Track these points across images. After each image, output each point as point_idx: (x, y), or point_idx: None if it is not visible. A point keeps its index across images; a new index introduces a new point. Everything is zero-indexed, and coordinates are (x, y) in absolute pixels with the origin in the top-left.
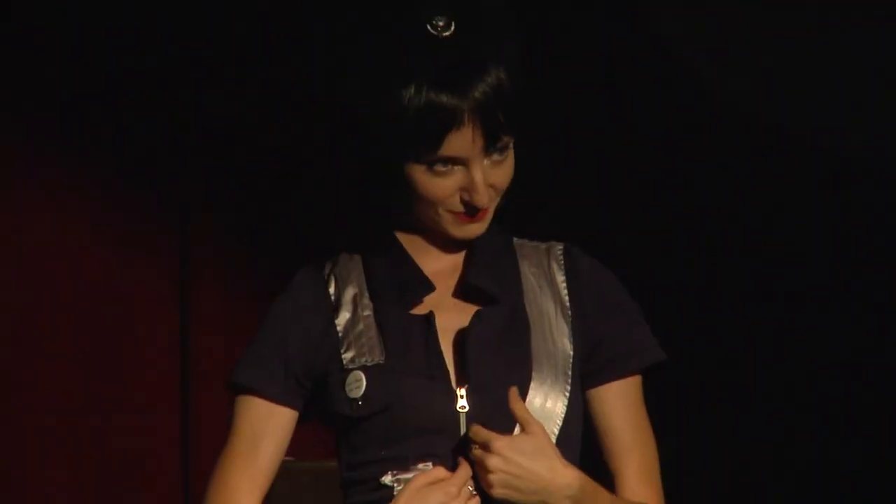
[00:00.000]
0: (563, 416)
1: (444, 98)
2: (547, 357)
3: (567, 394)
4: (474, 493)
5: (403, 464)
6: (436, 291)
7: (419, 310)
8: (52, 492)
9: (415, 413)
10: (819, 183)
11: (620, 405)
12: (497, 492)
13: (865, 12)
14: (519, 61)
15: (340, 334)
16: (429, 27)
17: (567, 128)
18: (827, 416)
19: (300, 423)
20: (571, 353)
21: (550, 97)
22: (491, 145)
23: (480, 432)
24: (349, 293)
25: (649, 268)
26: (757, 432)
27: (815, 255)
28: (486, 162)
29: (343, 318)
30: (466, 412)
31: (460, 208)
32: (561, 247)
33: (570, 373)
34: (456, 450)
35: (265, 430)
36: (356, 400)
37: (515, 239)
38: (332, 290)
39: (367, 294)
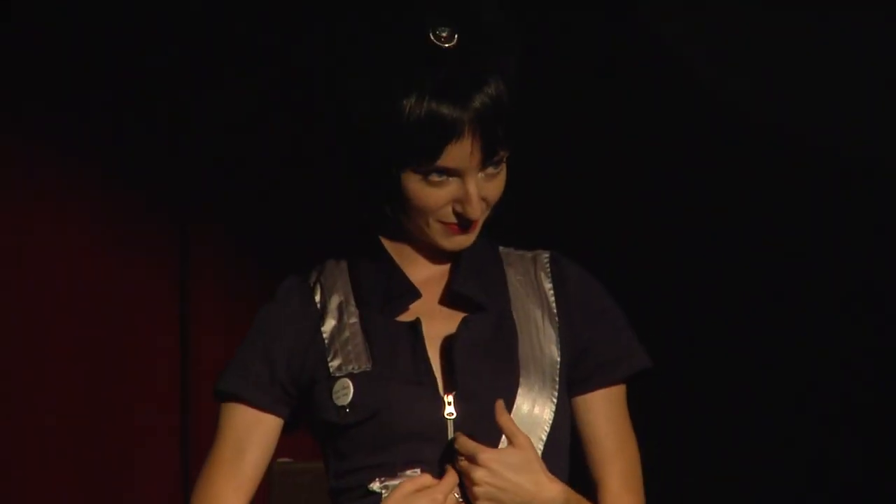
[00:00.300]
0: (550, 422)
1: (445, 109)
2: (534, 363)
3: (554, 400)
4: (460, 500)
5: (391, 470)
6: (422, 299)
7: (406, 317)
8: (52, 492)
9: (402, 420)
10: (819, 183)
11: (605, 413)
12: (484, 501)
13: (865, 12)
14: (519, 73)
15: (326, 342)
16: (432, 37)
17: (566, 128)
18: (826, 417)
19: (286, 433)
20: (559, 359)
21: (550, 97)
22: (488, 158)
23: (467, 444)
24: (335, 301)
25: (649, 268)
26: (753, 436)
27: (814, 255)
28: (480, 175)
29: (329, 325)
30: (454, 419)
31: (451, 219)
32: (547, 255)
33: (557, 379)
34: (443, 456)
35: (250, 437)
36: (343, 407)
37: (501, 248)
38: (318, 297)
39: (353, 301)
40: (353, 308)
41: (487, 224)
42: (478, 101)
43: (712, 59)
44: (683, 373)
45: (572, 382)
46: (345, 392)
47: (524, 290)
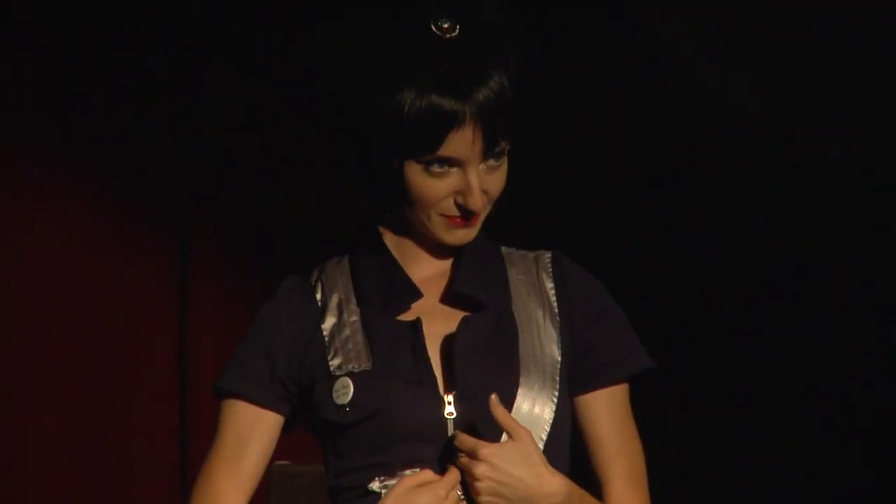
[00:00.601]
0: (550, 421)
1: (446, 99)
2: (535, 363)
3: (555, 399)
4: (462, 497)
5: (391, 470)
6: (423, 298)
7: (406, 316)
8: (52, 492)
9: (402, 419)
10: (818, 183)
11: (607, 412)
12: (484, 499)
13: (865, 12)
14: (519, 69)
15: (327, 340)
16: (433, 28)
17: (566, 128)
18: (826, 418)
19: (286, 432)
20: (559, 358)
21: (549, 97)
22: (489, 149)
23: (466, 440)
24: (335, 299)
25: (648, 268)
26: (753, 436)
27: (814, 255)
28: (482, 167)
29: (329, 323)
30: (454, 418)
31: (453, 212)
32: (549, 255)
33: (557, 378)
34: (443, 456)
35: (251, 435)
36: (343, 406)
37: (503, 248)
38: (318, 295)
39: (353, 300)
40: (353, 306)
41: (488, 222)
42: (479, 91)
43: (712, 59)
44: (683, 373)
45: (574, 382)
46: (345, 391)
47: (525, 290)
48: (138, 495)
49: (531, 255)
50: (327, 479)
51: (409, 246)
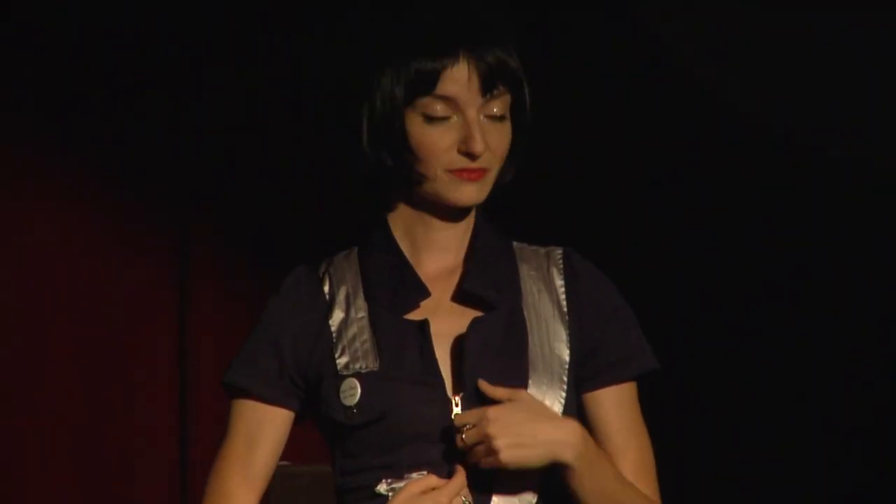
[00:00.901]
0: (563, 405)
1: (439, 38)
2: (543, 362)
3: (563, 398)
4: (466, 502)
5: (398, 472)
6: (433, 295)
7: (414, 314)
8: (52, 492)
9: (410, 422)
10: (818, 183)
11: (615, 409)
12: (505, 456)
13: (865, 12)
14: (513, 26)
15: (334, 336)
16: None
17: (565, 128)
18: (826, 418)
19: (297, 424)
20: (568, 357)
21: (549, 97)
22: (487, 89)
23: (468, 414)
24: (343, 292)
25: (647, 268)
26: (753, 437)
27: (813, 255)
28: (483, 119)
29: (337, 318)
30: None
31: (459, 164)
32: (560, 251)
33: (565, 378)
34: (451, 457)
35: (261, 431)
36: (351, 408)
37: (515, 243)
38: (326, 288)
39: (361, 294)
40: (361, 302)
41: (497, 208)
42: (471, 31)
43: (712, 59)
44: (683, 373)
45: (581, 380)
46: (352, 392)
47: (536, 287)
48: (138, 495)
49: (543, 250)
50: (333, 477)
51: (419, 240)
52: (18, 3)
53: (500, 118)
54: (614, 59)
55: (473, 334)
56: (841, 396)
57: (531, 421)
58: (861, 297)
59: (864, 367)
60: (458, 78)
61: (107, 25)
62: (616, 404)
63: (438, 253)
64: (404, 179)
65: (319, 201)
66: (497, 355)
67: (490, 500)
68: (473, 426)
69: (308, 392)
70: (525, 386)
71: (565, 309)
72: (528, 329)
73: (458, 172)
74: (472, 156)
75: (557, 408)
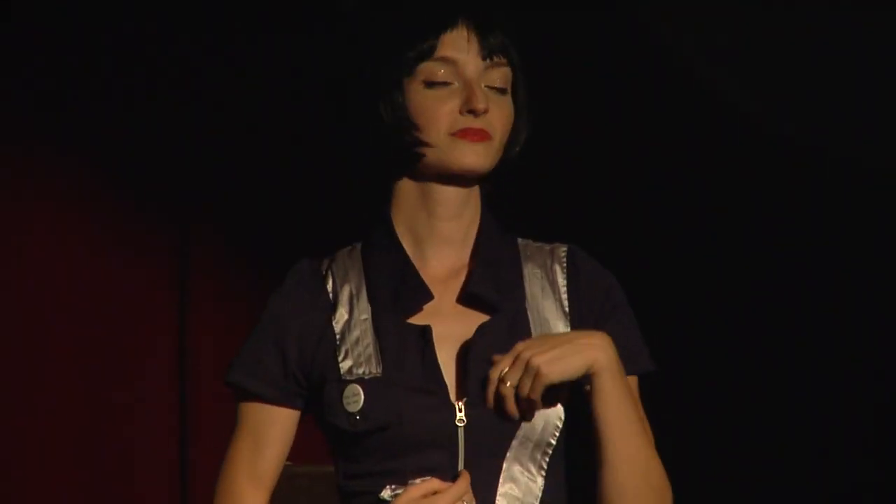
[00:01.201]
0: (562, 416)
1: (438, 4)
2: None
3: (567, 398)
4: None
5: (401, 478)
6: (437, 296)
7: (418, 317)
8: (52, 492)
9: (413, 429)
10: (818, 183)
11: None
12: (546, 370)
13: (865, 12)
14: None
15: (338, 338)
16: None
17: (566, 128)
18: (826, 418)
19: (304, 417)
20: None
21: (549, 97)
22: (486, 53)
23: (501, 360)
24: (346, 292)
25: (646, 268)
26: (753, 437)
27: (813, 254)
28: (484, 87)
29: (340, 318)
30: (465, 426)
31: (461, 124)
32: (565, 248)
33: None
34: (455, 462)
35: (268, 432)
36: (354, 414)
37: (520, 239)
38: (329, 286)
39: (364, 296)
40: (364, 303)
41: (499, 207)
42: None
43: (712, 59)
44: (683, 372)
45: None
46: (355, 399)
47: (540, 285)
48: (138, 495)
49: (547, 247)
50: (336, 479)
51: (422, 232)
52: (18, 3)
53: (502, 91)
54: (614, 58)
55: (480, 340)
56: (841, 396)
57: (561, 337)
58: (861, 296)
59: (863, 367)
60: (458, 41)
61: (107, 25)
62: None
63: (443, 246)
64: (406, 159)
65: (320, 201)
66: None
67: None
68: (509, 367)
69: (311, 391)
70: None
71: (566, 308)
72: (532, 331)
73: (461, 133)
74: (474, 113)
75: (561, 405)
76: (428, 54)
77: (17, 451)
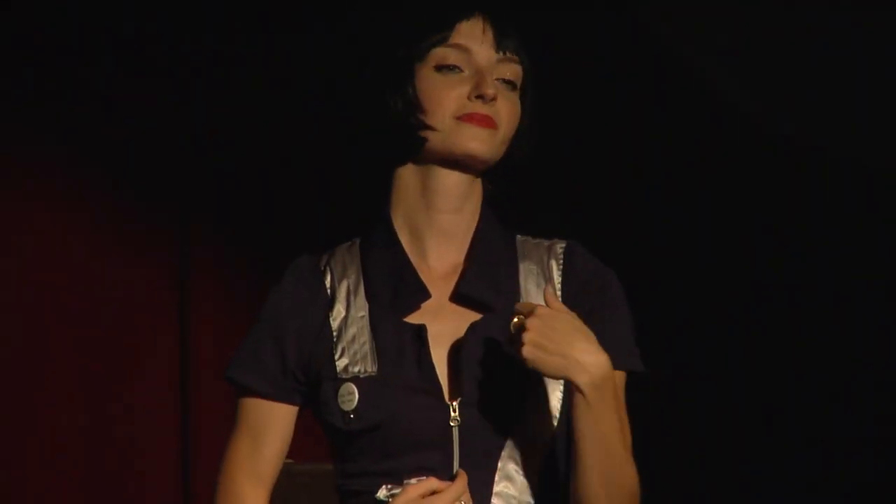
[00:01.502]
0: (559, 409)
1: None
2: None
3: (561, 390)
4: None
5: (397, 478)
6: (435, 294)
7: (416, 315)
8: (52, 492)
9: (408, 429)
10: (818, 182)
11: None
12: (526, 351)
13: (865, 12)
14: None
15: (335, 335)
16: None
17: (566, 128)
18: (826, 418)
19: (304, 414)
20: None
21: (548, 97)
22: (500, 45)
23: (527, 304)
24: (344, 288)
25: (645, 268)
26: (754, 437)
27: (813, 254)
28: (495, 79)
29: (338, 314)
30: (459, 425)
31: (468, 108)
32: (563, 245)
33: None
34: (450, 462)
35: (267, 429)
36: (348, 413)
37: (519, 236)
38: (328, 282)
39: (362, 292)
40: (362, 300)
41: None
42: None
43: (712, 59)
44: (683, 372)
45: None
46: (350, 397)
47: (535, 281)
48: (139, 495)
49: (546, 243)
50: (335, 478)
51: (421, 225)
52: (18, 2)
53: (512, 85)
54: (614, 58)
55: (472, 339)
56: (840, 397)
57: (569, 334)
58: (860, 296)
59: (864, 367)
60: (473, 31)
61: (107, 25)
62: None
63: (442, 240)
64: (410, 144)
65: (321, 200)
66: (494, 358)
67: None
68: (526, 314)
69: (309, 387)
70: (524, 387)
71: (560, 300)
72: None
73: (468, 117)
74: (483, 98)
75: (556, 398)
76: (442, 41)
77: (17, 451)
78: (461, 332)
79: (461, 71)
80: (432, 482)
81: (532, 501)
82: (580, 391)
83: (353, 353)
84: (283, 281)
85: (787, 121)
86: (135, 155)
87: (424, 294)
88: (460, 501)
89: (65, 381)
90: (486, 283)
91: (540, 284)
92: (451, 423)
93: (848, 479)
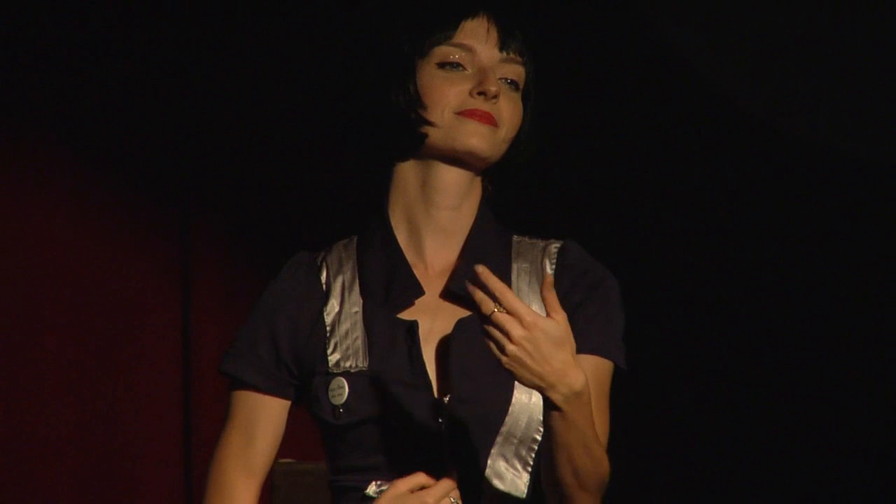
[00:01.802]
0: None
1: None
2: None
3: None
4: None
5: (386, 473)
6: (428, 291)
7: (409, 311)
8: (53, 492)
9: (396, 424)
10: (818, 182)
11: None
12: (505, 361)
13: (866, 11)
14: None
15: (328, 330)
16: None
17: (566, 128)
18: (826, 417)
19: (293, 406)
20: None
21: (548, 97)
22: (504, 45)
23: (513, 301)
24: (339, 283)
25: (645, 267)
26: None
27: (814, 252)
28: (498, 79)
29: (332, 309)
30: (448, 422)
31: (468, 104)
32: (559, 244)
33: None
34: (439, 458)
35: (259, 422)
36: (338, 407)
37: (516, 236)
38: (323, 277)
39: (357, 288)
40: (356, 295)
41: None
42: None
43: (712, 58)
44: (684, 372)
45: None
46: (340, 392)
47: (527, 279)
48: (141, 493)
49: (542, 243)
50: (327, 474)
51: (419, 220)
52: (18, 2)
53: (515, 86)
54: (614, 57)
55: (459, 335)
56: (841, 396)
57: (552, 350)
58: (861, 296)
59: (864, 366)
60: (478, 30)
61: (107, 25)
62: (590, 373)
63: (439, 237)
64: (410, 140)
65: (322, 197)
66: (484, 355)
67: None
68: (508, 313)
69: (302, 381)
70: (512, 384)
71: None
72: None
73: (469, 112)
74: (485, 95)
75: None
76: (446, 38)
77: (18, 451)
78: (450, 330)
79: (464, 69)
80: (420, 477)
81: (522, 498)
82: (554, 404)
83: (346, 349)
84: (279, 275)
85: (788, 118)
86: (135, 154)
87: (418, 291)
88: (450, 498)
89: (66, 379)
90: (476, 280)
91: (532, 283)
92: (441, 420)
93: (848, 479)
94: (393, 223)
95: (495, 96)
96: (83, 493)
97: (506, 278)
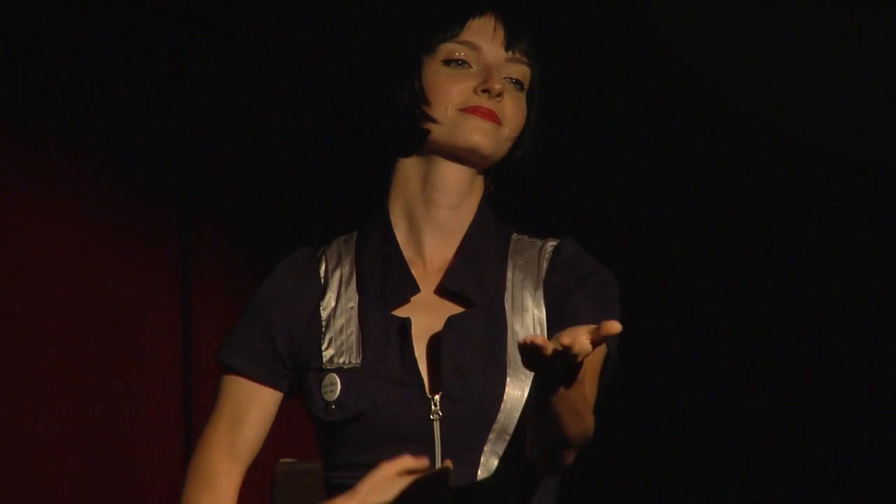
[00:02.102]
0: None
1: None
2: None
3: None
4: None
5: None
6: (424, 288)
7: (405, 308)
8: (53, 492)
9: (388, 421)
10: (818, 181)
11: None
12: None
13: (866, 11)
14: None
15: (324, 325)
16: None
17: (566, 128)
18: (825, 418)
19: (285, 398)
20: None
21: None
22: (510, 44)
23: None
24: (337, 277)
25: (645, 267)
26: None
27: (814, 252)
28: (503, 77)
29: (328, 304)
30: (439, 420)
31: (472, 101)
32: (555, 242)
33: None
34: (431, 456)
35: (248, 409)
36: (330, 403)
37: (515, 234)
38: (322, 272)
39: (354, 284)
40: (352, 291)
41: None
42: None
43: (712, 58)
44: (684, 372)
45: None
46: (332, 387)
47: (521, 275)
48: (142, 494)
49: (539, 242)
50: (322, 470)
51: (419, 217)
52: (18, 2)
53: (520, 86)
54: (614, 57)
55: (450, 332)
56: (840, 396)
57: None
58: (861, 296)
59: (864, 366)
60: (484, 28)
61: (107, 25)
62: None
63: (438, 235)
64: (413, 137)
65: (323, 198)
66: (476, 352)
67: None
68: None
69: (296, 374)
70: (504, 381)
71: (542, 287)
72: (508, 322)
73: (472, 109)
74: (489, 92)
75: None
76: (452, 36)
77: (18, 450)
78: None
79: (469, 67)
80: (407, 460)
81: (515, 495)
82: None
83: (340, 344)
84: (278, 268)
85: (787, 119)
86: (135, 154)
87: (413, 288)
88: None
89: (66, 379)
90: (469, 277)
91: (526, 279)
92: (432, 417)
93: (848, 479)
94: (392, 220)
95: (499, 94)
96: (83, 493)
97: (500, 275)
